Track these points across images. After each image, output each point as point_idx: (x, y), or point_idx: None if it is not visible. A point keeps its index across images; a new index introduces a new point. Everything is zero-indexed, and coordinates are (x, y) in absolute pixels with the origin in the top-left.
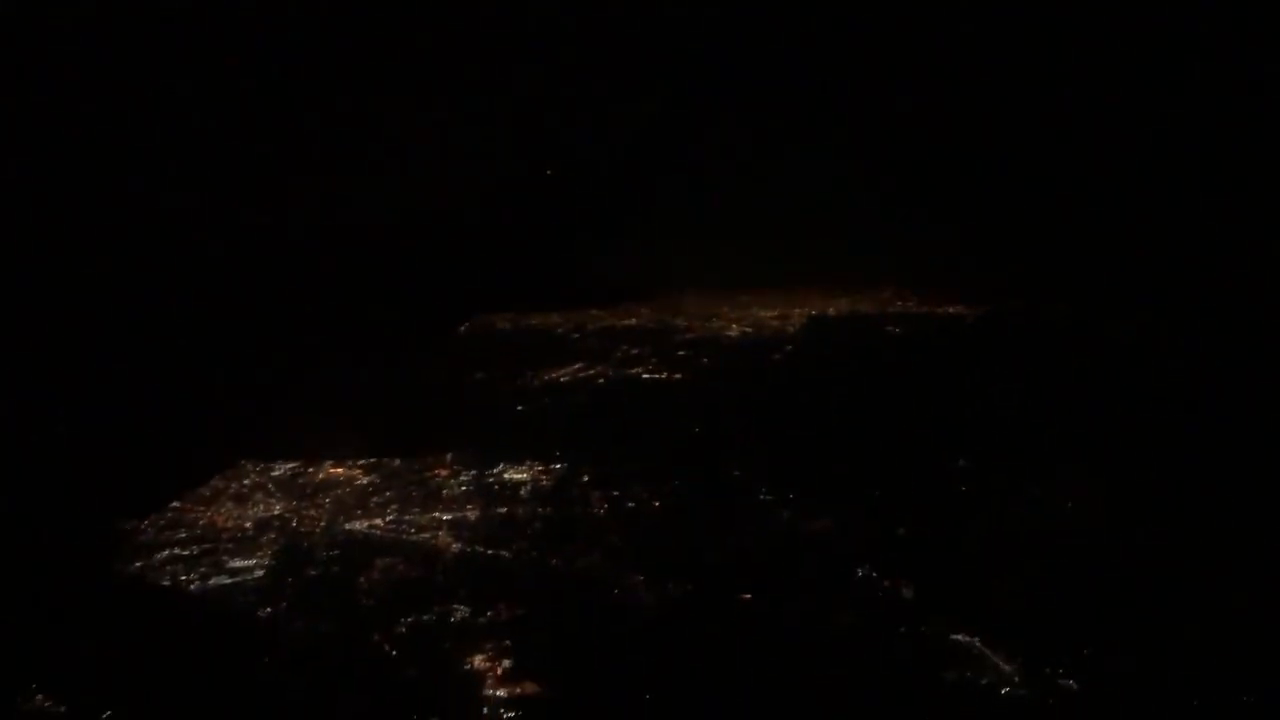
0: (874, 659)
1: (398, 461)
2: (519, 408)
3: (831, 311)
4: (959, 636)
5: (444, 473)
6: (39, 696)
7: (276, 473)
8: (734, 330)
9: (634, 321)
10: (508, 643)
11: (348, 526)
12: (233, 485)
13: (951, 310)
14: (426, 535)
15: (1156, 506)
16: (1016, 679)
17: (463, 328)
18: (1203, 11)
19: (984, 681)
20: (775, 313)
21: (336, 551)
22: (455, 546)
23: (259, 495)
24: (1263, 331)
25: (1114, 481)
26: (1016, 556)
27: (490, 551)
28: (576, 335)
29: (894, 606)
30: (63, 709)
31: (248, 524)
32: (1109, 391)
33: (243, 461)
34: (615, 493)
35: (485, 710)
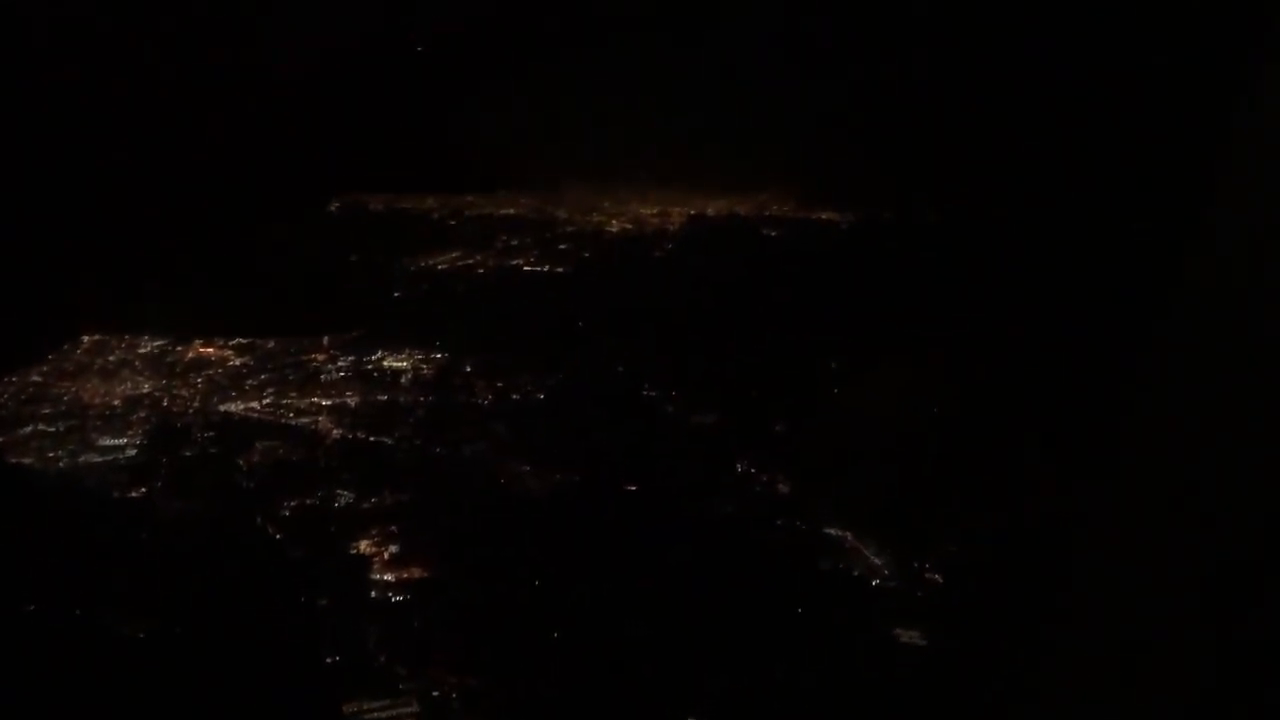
0: (752, 549)
1: (272, 343)
2: (396, 294)
3: (710, 211)
4: (832, 530)
5: (321, 357)
6: None
7: (144, 350)
8: (614, 226)
9: (513, 211)
10: (393, 528)
11: (223, 408)
12: (98, 361)
13: (825, 216)
14: (306, 420)
15: (1013, 407)
16: (886, 571)
17: (333, 207)
18: None
19: (856, 573)
20: (655, 210)
21: (212, 433)
22: (336, 432)
23: (126, 372)
24: (1114, 236)
25: (975, 380)
26: (886, 455)
27: (372, 438)
28: (454, 222)
29: (771, 499)
30: None
31: (116, 401)
32: (972, 297)
33: (107, 337)
34: (499, 383)
35: (373, 593)
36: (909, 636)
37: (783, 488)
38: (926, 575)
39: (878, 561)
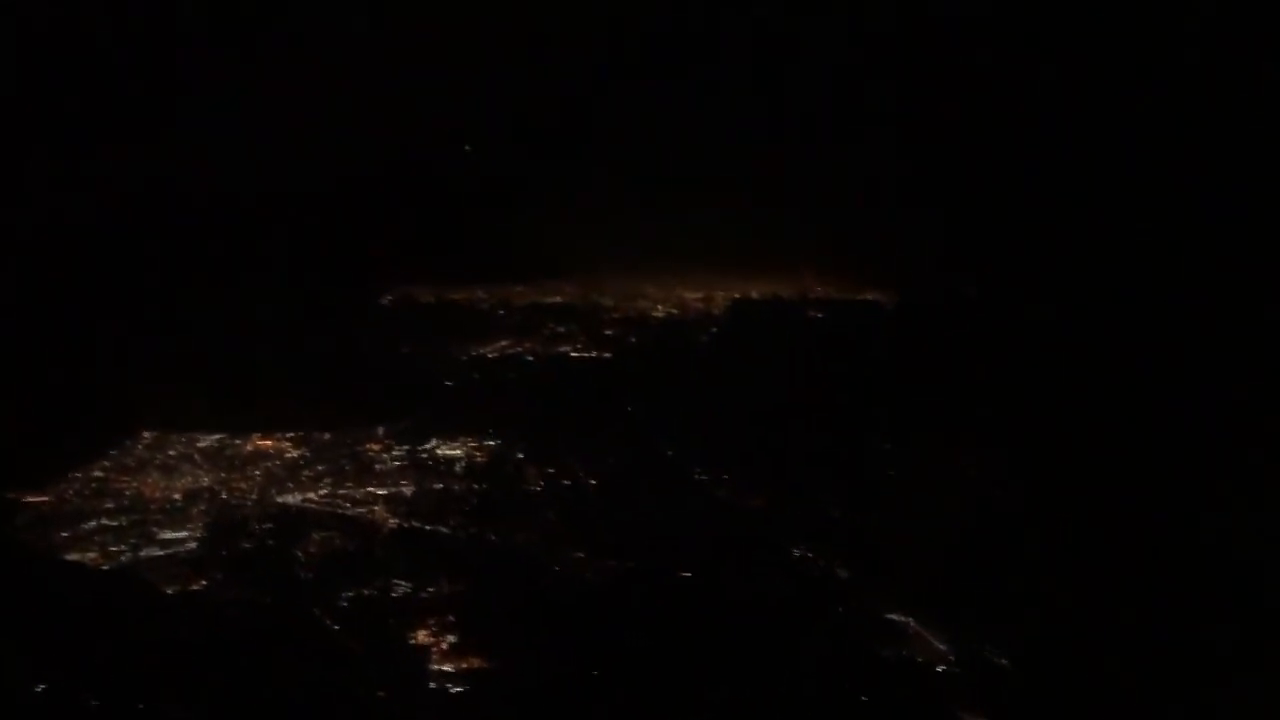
0: (813, 635)
1: (327, 435)
2: (448, 383)
3: (754, 294)
4: (894, 616)
5: (376, 447)
6: None
7: (203, 444)
8: (659, 310)
9: (559, 298)
10: (451, 618)
11: (280, 499)
12: (158, 456)
13: (869, 296)
14: (362, 509)
15: (1072, 486)
16: (952, 657)
17: (385, 300)
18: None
19: (919, 659)
20: (699, 294)
21: (270, 524)
22: (392, 521)
23: (186, 466)
24: (1170, 313)
25: (1031, 462)
26: (944, 538)
27: (428, 527)
28: (502, 311)
29: (830, 585)
30: None
31: (176, 495)
32: (1023, 374)
33: (167, 432)
34: (550, 470)
35: (433, 684)
36: None
37: (841, 572)
38: (993, 661)
39: (942, 647)
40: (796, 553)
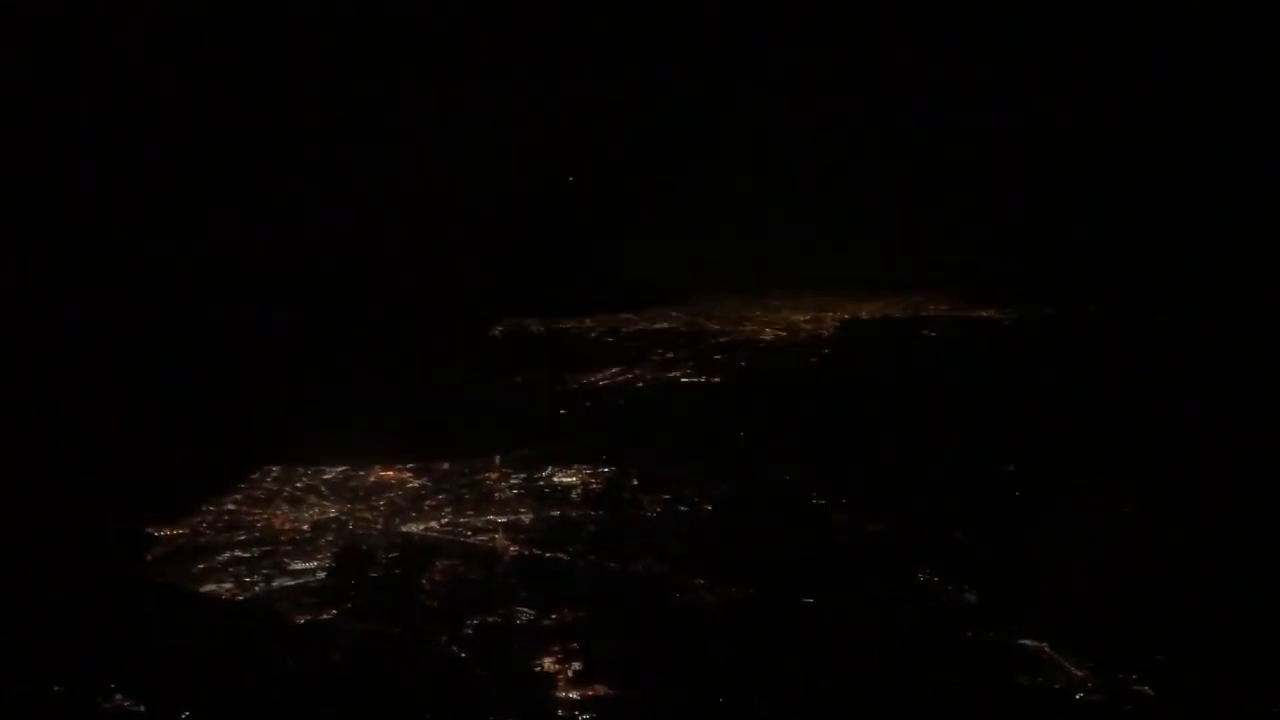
0: (943, 662)
1: (446, 465)
2: (561, 411)
3: (864, 315)
4: (1027, 641)
5: (494, 476)
6: (118, 696)
7: (328, 476)
8: (768, 334)
9: (666, 325)
10: (575, 645)
11: (404, 528)
12: (285, 488)
13: (984, 314)
14: (483, 537)
15: (1203, 508)
16: (1090, 684)
17: (496, 331)
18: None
19: (1056, 686)
20: (808, 316)
21: (395, 553)
22: (513, 549)
23: (313, 498)
24: None
25: (1159, 484)
26: (1074, 560)
27: (548, 554)
28: (610, 339)
29: (958, 610)
30: (142, 708)
31: (305, 526)
32: (1146, 392)
33: (293, 466)
34: (666, 496)
35: (560, 712)
36: None
37: (970, 597)
38: (1134, 688)
39: (1079, 674)
40: (921, 577)
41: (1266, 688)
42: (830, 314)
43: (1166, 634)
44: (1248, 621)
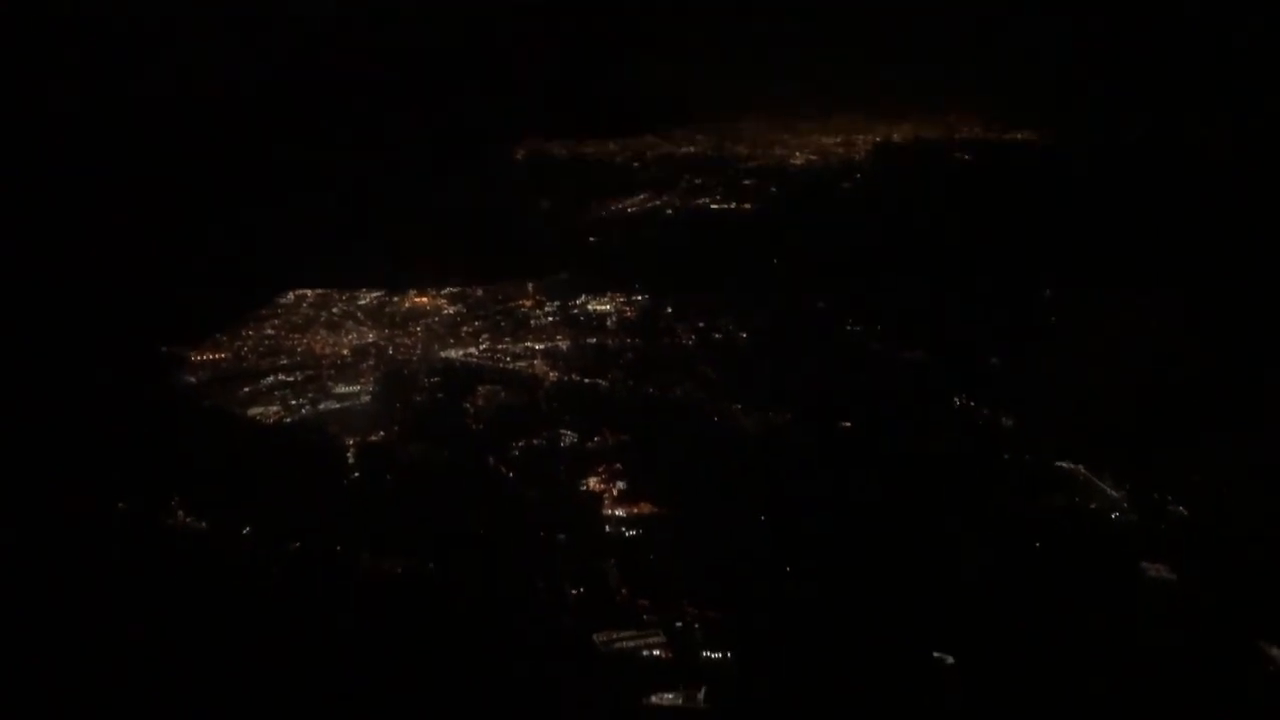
0: (981, 484)
1: (480, 291)
2: (591, 239)
3: (896, 138)
4: (1063, 464)
5: (528, 303)
6: (180, 513)
7: (363, 302)
8: (799, 158)
9: (693, 149)
10: (618, 466)
11: (443, 354)
12: (323, 314)
13: (1019, 136)
14: (523, 364)
15: (1242, 329)
16: (1125, 504)
17: (519, 155)
18: None
19: (1093, 506)
20: (838, 139)
21: (437, 378)
22: (553, 375)
23: (350, 323)
24: None
25: (1197, 306)
26: (1111, 385)
27: (587, 380)
28: (637, 164)
29: (995, 434)
30: (204, 524)
31: (345, 351)
32: (1184, 213)
33: (329, 291)
34: (701, 324)
35: (608, 528)
36: (1156, 570)
37: (1006, 422)
38: (1170, 508)
39: (1115, 495)
40: (958, 402)
41: None
42: (861, 136)
43: (1202, 456)
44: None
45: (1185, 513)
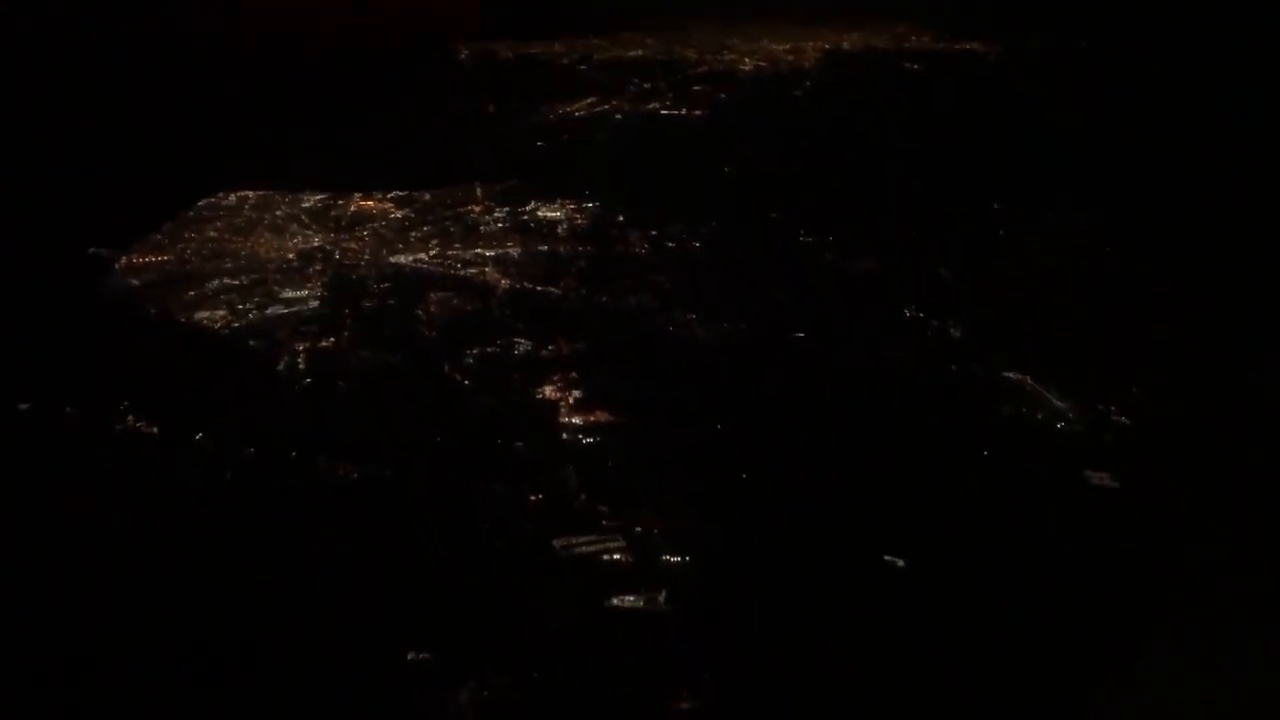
0: (929, 395)
1: (428, 195)
2: (538, 143)
3: (846, 46)
4: (1010, 375)
5: (478, 208)
6: (129, 417)
7: (307, 204)
8: (748, 64)
9: (641, 52)
10: (573, 374)
11: (392, 259)
12: (265, 216)
13: (968, 46)
14: (474, 270)
15: (1186, 242)
16: (1071, 415)
17: (462, 55)
18: None
19: (1039, 416)
20: (788, 46)
21: (387, 284)
22: (505, 282)
23: (294, 226)
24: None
25: (1142, 216)
26: (1059, 296)
27: (539, 288)
28: (583, 66)
29: (944, 345)
30: (155, 430)
31: (290, 255)
32: (1131, 126)
33: (270, 192)
34: (653, 233)
35: (564, 436)
36: (1100, 479)
37: (954, 333)
38: (1114, 419)
39: (1061, 405)
40: (908, 314)
41: (1242, 417)
42: (811, 44)
43: (1145, 366)
44: (1227, 352)
45: (1127, 422)
